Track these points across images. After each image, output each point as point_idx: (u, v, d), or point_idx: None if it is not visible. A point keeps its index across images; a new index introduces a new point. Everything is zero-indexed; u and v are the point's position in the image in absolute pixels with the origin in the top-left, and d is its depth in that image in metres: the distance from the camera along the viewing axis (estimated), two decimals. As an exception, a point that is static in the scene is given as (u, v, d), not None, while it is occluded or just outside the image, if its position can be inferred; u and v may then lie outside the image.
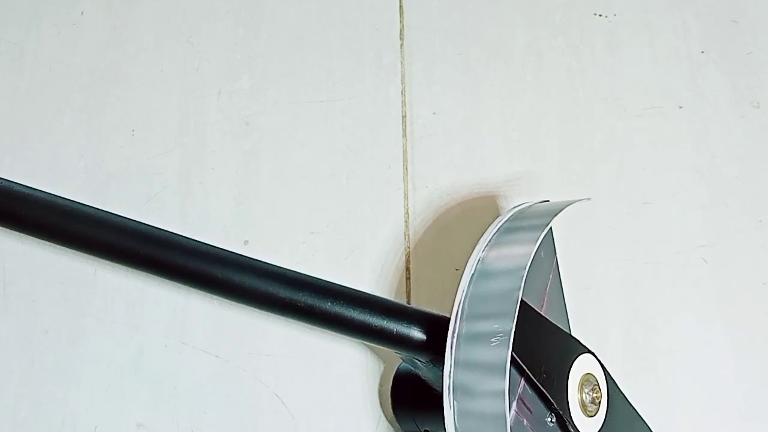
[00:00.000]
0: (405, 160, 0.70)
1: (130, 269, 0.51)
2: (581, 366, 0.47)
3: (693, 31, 0.73)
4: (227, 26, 0.76)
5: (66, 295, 0.66)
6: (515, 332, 0.41)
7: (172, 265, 0.48)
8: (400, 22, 0.75)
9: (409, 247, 0.67)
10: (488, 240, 0.47)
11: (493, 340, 0.41)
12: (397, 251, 0.67)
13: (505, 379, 0.39)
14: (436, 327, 0.46)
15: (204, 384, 0.63)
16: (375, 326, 0.46)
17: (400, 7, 0.75)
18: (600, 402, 0.48)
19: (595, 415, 0.47)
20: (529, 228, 0.47)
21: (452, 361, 0.42)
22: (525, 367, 0.44)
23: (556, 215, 0.48)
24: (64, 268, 0.67)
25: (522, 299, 0.42)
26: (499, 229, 0.48)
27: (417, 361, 0.48)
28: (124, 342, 0.65)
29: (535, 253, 0.45)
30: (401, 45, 0.74)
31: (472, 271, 0.45)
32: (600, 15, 0.75)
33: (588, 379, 0.47)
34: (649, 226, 0.67)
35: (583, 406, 0.47)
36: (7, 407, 0.63)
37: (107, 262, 0.51)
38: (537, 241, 0.45)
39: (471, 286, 0.44)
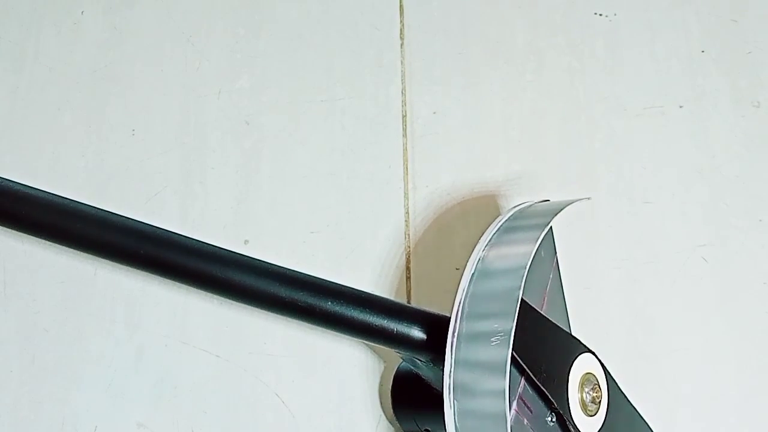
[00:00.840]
0: (405, 160, 0.70)
1: (130, 269, 0.51)
2: (582, 365, 0.47)
3: (693, 31, 0.73)
4: (227, 26, 0.76)
5: (66, 295, 0.66)
6: (515, 332, 0.41)
7: (172, 264, 0.48)
8: (401, 21, 0.75)
9: (409, 247, 0.67)
10: (488, 239, 0.47)
11: (493, 339, 0.41)
12: (397, 251, 0.67)
13: (505, 378, 0.39)
14: (437, 326, 0.46)
15: (204, 383, 0.63)
16: (375, 326, 0.46)
17: (400, 6, 0.75)
18: (600, 401, 0.48)
19: (595, 414, 0.47)
20: (530, 227, 0.47)
21: (452, 360, 0.42)
22: (525, 367, 0.44)
23: (556, 214, 0.48)
24: (64, 267, 0.67)
25: (522, 299, 0.42)
26: (499, 228, 0.48)
27: (417, 360, 0.48)
28: (125, 341, 0.65)
29: (535, 253, 0.44)
30: (401, 44, 0.74)
31: (473, 271, 0.45)
32: (600, 14, 0.75)
33: (588, 379, 0.47)
34: (649, 225, 0.66)
35: (584, 405, 0.47)
36: (7, 407, 0.63)
37: (107, 261, 0.51)
38: (537, 240, 0.45)
39: (471, 285, 0.44)
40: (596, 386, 0.48)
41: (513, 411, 0.45)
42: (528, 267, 0.43)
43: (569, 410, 0.46)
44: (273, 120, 0.72)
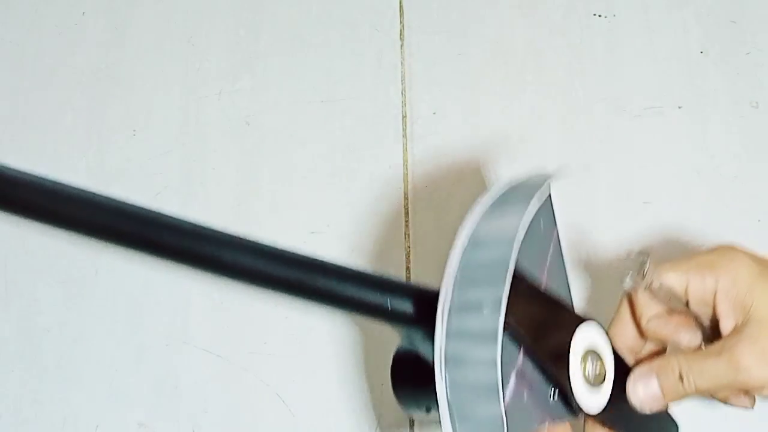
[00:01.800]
0: (405, 160, 0.70)
1: (116, 247, 0.50)
2: (584, 337, 0.45)
3: (692, 32, 0.74)
4: (228, 26, 0.76)
5: (67, 295, 0.66)
6: (511, 300, 0.39)
7: (163, 244, 0.47)
8: (400, 22, 0.75)
9: (409, 247, 0.67)
10: (481, 210, 0.44)
11: (485, 308, 0.39)
12: (397, 251, 0.67)
13: (497, 347, 0.38)
14: (429, 299, 0.43)
15: (205, 383, 0.63)
16: (370, 301, 0.45)
17: (400, 7, 0.76)
18: (605, 375, 0.45)
19: (600, 388, 0.45)
20: (524, 197, 0.45)
21: (443, 331, 0.40)
22: (522, 336, 0.42)
23: (551, 183, 0.47)
24: (65, 267, 0.67)
25: (518, 268, 0.41)
26: (492, 199, 0.46)
27: (413, 336, 0.47)
28: (126, 341, 0.65)
29: (531, 222, 0.43)
30: (401, 45, 0.74)
31: (464, 241, 0.43)
32: (599, 15, 0.75)
33: (592, 350, 0.45)
34: (649, 226, 0.67)
35: (587, 378, 0.44)
36: (8, 407, 0.63)
37: (98, 241, 0.50)
38: (531, 209, 0.43)
39: (463, 255, 0.42)
40: (600, 358, 0.45)
41: (511, 386, 0.42)
42: (523, 233, 0.41)
43: (570, 384, 0.43)
44: (273, 120, 0.72)
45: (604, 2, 0.75)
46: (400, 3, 0.76)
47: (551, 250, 0.51)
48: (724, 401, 0.48)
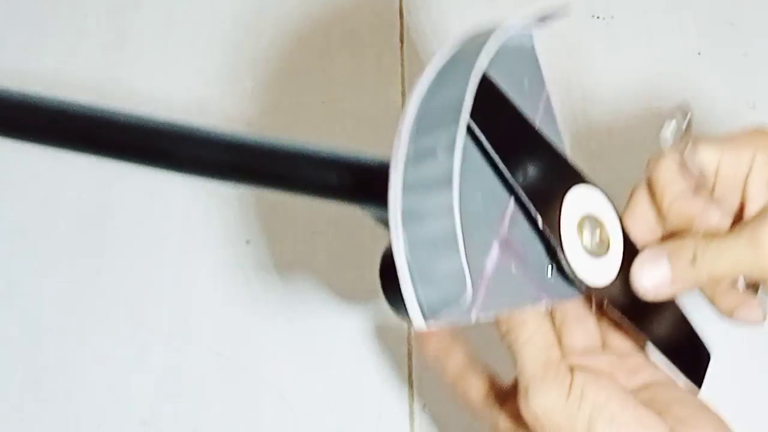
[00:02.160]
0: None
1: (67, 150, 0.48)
2: (581, 193, 0.40)
3: (690, 33, 0.74)
4: (229, 28, 0.77)
5: (70, 294, 0.67)
6: (485, 126, 0.36)
7: (117, 143, 0.45)
8: (401, 23, 0.75)
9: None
10: (443, 56, 0.39)
11: (439, 151, 0.33)
12: (397, 250, 0.67)
13: (452, 189, 0.32)
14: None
15: (206, 381, 0.64)
16: (331, 184, 0.42)
17: (400, 8, 0.76)
18: (609, 242, 0.39)
19: (602, 258, 0.39)
20: (485, 40, 0.38)
21: (399, 184, 0.34)
22: (498, 160, 0.36)
23: (532, 30, 0.43)
24: (68, 267, 0.68)
25: (496, 90, 0.37)
26: (454, 48, 0.41)
27: (386, 219, 0.42)
28: (128, 340, 0.65)
29: (506, 70, 0.38)
30: (401, 46, 0.75)
31: (421, 89, 0.37)
32: (598, 17, 0.75)
33: (591, 216, 0.39)
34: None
35: (585, 246, 0.38)
36: (11, 405, 0.63)
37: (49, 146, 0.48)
38: (492, 44, 0.38)
39: (420, 104, 0.36)
40: (602, 225, 0.39)
41: (494, 256, 0.37)
42: (484, 64, 0.36)
43: (560, 241, 0.37)
44: (274, 121, 0.72)
45: (602, 4, 0.76)
46: (400, 4, 0.76)
47: (541, 111, 0.45)
48: (731, 313, 0.42)
